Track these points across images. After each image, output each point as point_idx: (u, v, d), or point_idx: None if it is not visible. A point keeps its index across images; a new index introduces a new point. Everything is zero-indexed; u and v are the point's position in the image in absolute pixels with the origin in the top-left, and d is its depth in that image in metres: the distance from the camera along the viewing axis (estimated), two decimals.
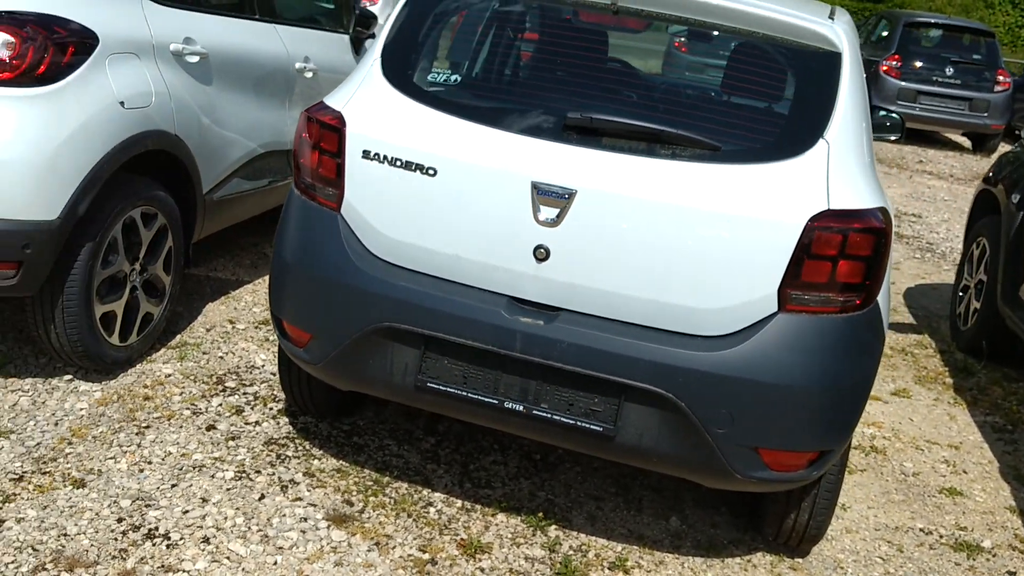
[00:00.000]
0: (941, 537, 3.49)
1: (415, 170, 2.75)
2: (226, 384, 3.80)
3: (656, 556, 3.12)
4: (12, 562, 2.63)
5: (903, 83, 12.98)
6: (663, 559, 3.11)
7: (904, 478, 3.89)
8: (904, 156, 12.53)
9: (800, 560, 3.21)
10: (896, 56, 13.14)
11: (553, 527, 3.18)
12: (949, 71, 13.10)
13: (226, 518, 2.95)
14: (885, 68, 12.96)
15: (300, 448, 3.41)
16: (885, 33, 14.08)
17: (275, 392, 3.78)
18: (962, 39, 14.14)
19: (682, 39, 6.04)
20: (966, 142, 14.54)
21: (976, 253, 5.55)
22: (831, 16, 3.04)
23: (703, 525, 3.33)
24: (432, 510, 3.17)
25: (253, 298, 4.71)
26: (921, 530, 3.52)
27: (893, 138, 4.56)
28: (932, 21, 14.65)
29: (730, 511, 3.43)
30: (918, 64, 13.21)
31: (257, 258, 5.27)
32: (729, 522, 3.37)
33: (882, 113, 4.58)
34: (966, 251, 5.77)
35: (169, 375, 3.79)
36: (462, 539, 3.03)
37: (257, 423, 3.54)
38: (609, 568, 3.02)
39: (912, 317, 6.02)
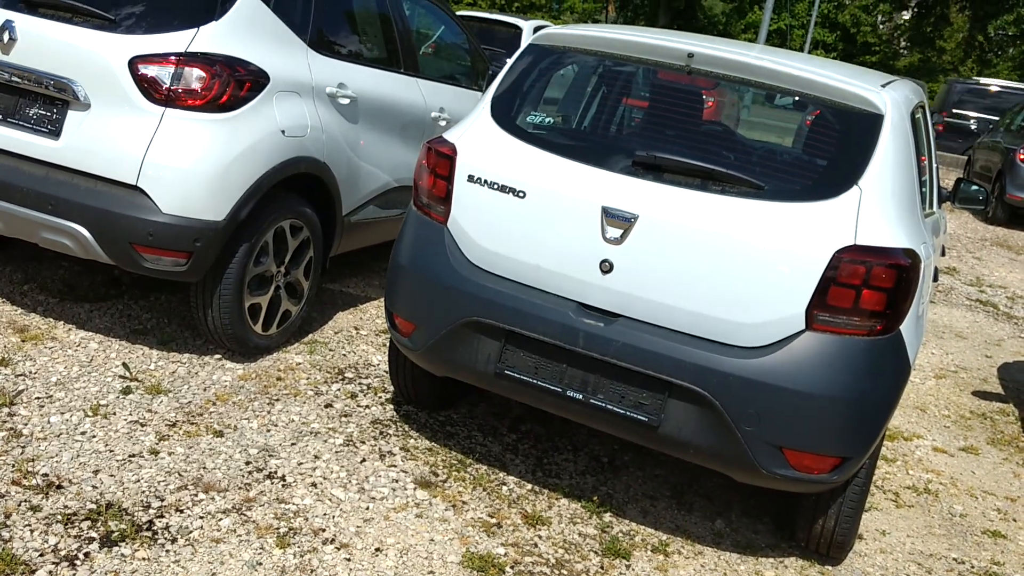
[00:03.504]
0: (972, 568, 3.74)
1: (508, 192, 3.34)
2: (345, 375, 4.44)
3: (696, 547, 3.53)
4: (163, 481, 3.29)
5: None
6: (702, 551, 3.52)
7: (951, 517, 4.14)
8: None
9: (830, 567, 3.55)
10: None
11: (608, 514, 3.63)
12: None
13: (332, 471, 3.55)
14: (1021, 156, 12.88)
15: (400, 429, 3.99)
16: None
17: (386, 385, 4.39)
18: None
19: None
20: None
21: None
22: (885, 84, 3.47)
23: (745, 530, 3.71)
24: (505, 488, 3.68)
25: (377, 312, 5.37)
26: (955, 559, 3.78)
27: (979, 208, 5.06)
28: None
29: (773, 522, 3.80)
30: None
31: (385, 280, 5.94)
32: (770, 531, 3.74)
33: (974, 188, 5.07)
34: None
35: (299, 363, 4.46)
36: (526, 512, 3.53)
37: (367, 407, 4.15)
38: (652, 550, 3.45)
39: (1002, 388, 6.16)
